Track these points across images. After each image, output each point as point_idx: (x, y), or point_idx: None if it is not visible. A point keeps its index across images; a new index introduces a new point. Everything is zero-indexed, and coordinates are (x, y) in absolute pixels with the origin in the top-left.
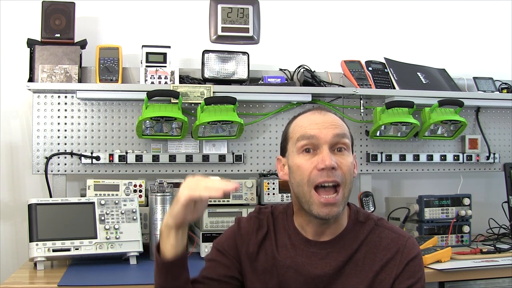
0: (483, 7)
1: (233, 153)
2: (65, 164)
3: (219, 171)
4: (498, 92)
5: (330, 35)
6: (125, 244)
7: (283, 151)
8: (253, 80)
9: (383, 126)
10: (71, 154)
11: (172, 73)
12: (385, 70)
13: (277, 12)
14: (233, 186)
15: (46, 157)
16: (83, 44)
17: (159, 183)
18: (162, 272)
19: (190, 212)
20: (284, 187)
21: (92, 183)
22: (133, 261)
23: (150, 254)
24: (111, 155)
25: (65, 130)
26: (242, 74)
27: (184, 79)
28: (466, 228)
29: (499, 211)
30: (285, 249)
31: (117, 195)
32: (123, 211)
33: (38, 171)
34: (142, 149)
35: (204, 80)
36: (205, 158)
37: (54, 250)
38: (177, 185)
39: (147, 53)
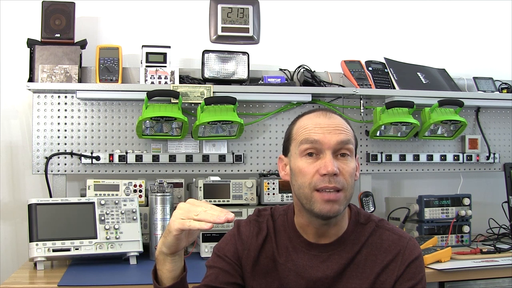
0: (483, 7)
1: (233, 153)
2: (65, 164)
3: (219, 171)
4: (498, 92)
5: (330, 35)
6: (125, 244)
7: (285, 151)
8: (253, 80)
9: (383, 126)
10: (71, 154)
11: (172, 73)
12: (385, 70)
13: (277, 12)
14: (224, 218)
15: (46, 157)
16: (83, 44)
17: (159, 183)
18: None
19: (183, 240)
20: (284, 187)
21: (92, 183)
22: (133, 261)
23: (150, 254)
24: (111, 155)
25: (65, 130)
26: (242, 74)
27: (184, 79)
28: (466, 228)
29: (499, 211)
30: (286, 252)
31: (117, 195)
32: (123, 211)
33: (38, 171)
34: (142, 149)
35: (204, 80)
36: (205, 158)
37: (54, 250)
38: (177, 185)
39: (147, 53)
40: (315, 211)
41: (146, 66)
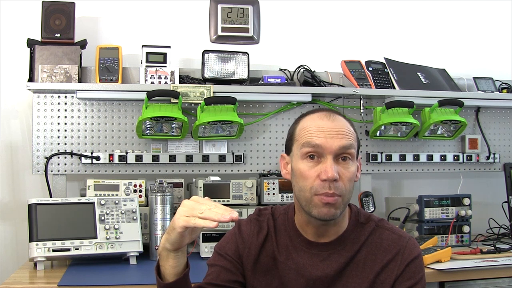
0: (483, 7)
1: (233, 153)
2: (65, 164)
3: (219, 171)
4: (498, 92)
5: (330, 35)
6: (125, 244)
7: (288, 150)
8: (253, 80)
9: (383, 126)
10: (71, 154)
11: (172, 73)
12: (385, 70)
13: (277, 12)
14: (229, 217)
15: (46, 157)
16: (83, 44)
17: (159, 183)
18: None
19: (187, 237)
20: (284, 187)
21: (92, 183)
22: (133, 261)
23: (150, 254)
24: (111, 155)
25: (65, 130)
26: (242, 74)
27: (184, 79)
28: (466, 228)
29: (499, 211)
30: (286, 251)
31: (117, 195)
32: (123, 211)
33: (38, 171)
34: (142, 149)
35: (204, 80)
36: (205, 158)
37: (54, 250)
38: (177, 185)
39: (147, 53)
40: (313, 214)
41: (146, 66)
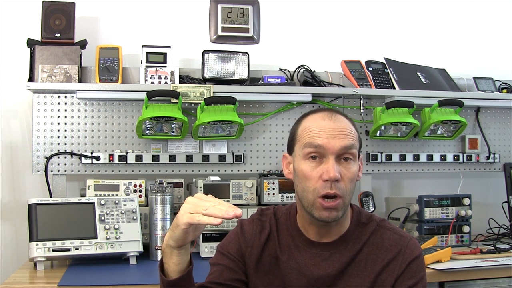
0: (483, 7)
1: (233, 153)
2: (65, 164)
3: (219, 171)
4: (498, 92)
5: (330, 35)
6: (125, 244)
7: (290, 149)
8: (253, 80)
9: (383, 126)
10: (71, 154)
11: (172, 73)
12: (385, 70)
13: (277, 12)
14: (233, 214)
15: (46, 157)
16: (83, 44)
17: (159, 183)
18: None
19: (191, 234)
20: (284, 187)
21: (92, 183)
22: (133, 261)
23: (150, 254)
24: (111, 155)
25: (65, 130)
26: (242, 74)
27: (184, 79)
28: (466, 228)
29: (499, 211)
30: (288, 250)
31: (117, 195)
32: (123, 211)
33: (38, 171)
34: (142, 149)
35: (204, 80)
36: (205, 158)
37: (54, 250)
38: (177, 185)
39: (147, 53)
40: (315, 216)
41: (146, 66)
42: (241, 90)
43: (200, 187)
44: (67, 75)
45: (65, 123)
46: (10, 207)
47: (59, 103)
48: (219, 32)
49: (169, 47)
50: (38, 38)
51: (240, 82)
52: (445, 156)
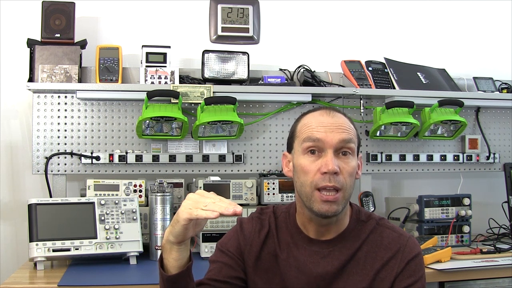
0: (483, 7)
1: (233, 153)
2: (65, 164)
3: (219, 171)
4: (498, 92)
5: (330, 35)
6: (125, 244)
7: (289, 148)
8: (253, 80)
9: (383, 126)
10: (71, 154)
11: (172, 73)
12: (385, 70)
13: (277, 12)
14: (232, 211)
15: (46, 157)
16: (83, 44)
17: (159, 183)
18: (167, 287)
19: (191, 230)
20: (284, 187)
21: (92, 183)
22: (133, 261)
23: (150, 254)
24: (111, 155)
25: (65, 130)
26: (242, 74)
27: (184, 79)
28: (466, 228)
29: (499, 211)
30: (288, 248)
31: (117, 195)
32: (123, 211)
33: (38, 171)
34: (142, 149)
35: (204, 80)
36: (205, 158)
37: (54, 250)
38: (177, 185)
39: (147, 53)
40: (314, 210)
41: (146, 66)
42: (241, 90)
43: (200, 187)
44: (67, 75)
45: (65, 123)
46: (10, 207)
47: (59, 103)
48: (219, 32)
49: (169, 47)
50: (38, 38)
51: (240, 82)
52: (445, 156)
